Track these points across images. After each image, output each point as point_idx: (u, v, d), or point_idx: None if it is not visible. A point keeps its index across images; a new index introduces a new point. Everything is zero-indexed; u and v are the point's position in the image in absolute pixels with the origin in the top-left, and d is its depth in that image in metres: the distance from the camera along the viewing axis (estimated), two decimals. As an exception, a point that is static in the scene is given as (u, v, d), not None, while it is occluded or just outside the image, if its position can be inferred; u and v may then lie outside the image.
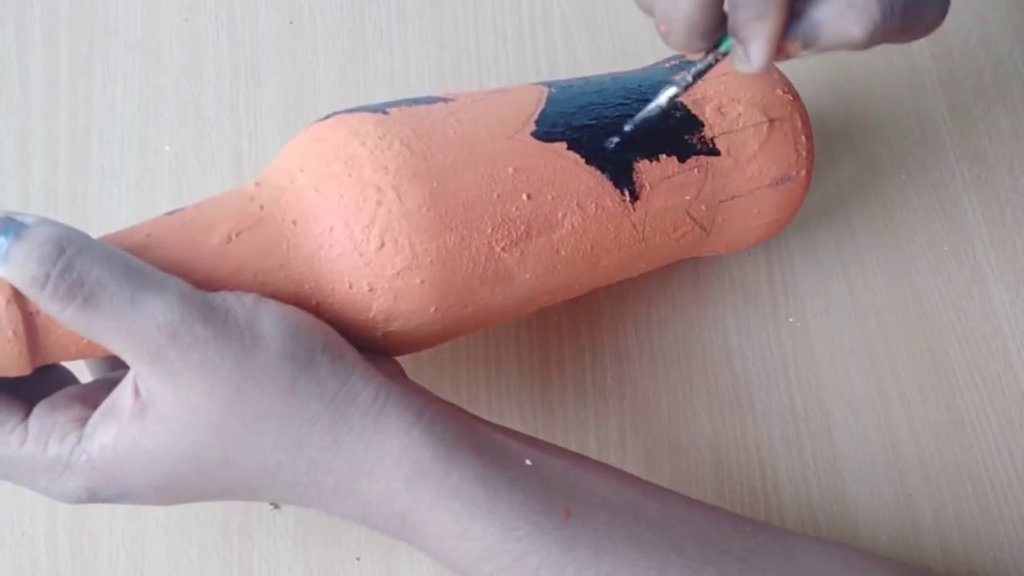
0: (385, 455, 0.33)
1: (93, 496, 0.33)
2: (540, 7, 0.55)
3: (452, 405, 0.36)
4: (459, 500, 0.33)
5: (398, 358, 0.38)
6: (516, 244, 0.37)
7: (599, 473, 0.36)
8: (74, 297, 0.30)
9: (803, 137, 0.43)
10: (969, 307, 0.48)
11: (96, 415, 0.33)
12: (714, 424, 0.46)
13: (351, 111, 0.37)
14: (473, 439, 0.35)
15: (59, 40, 0.54)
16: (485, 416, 0.38)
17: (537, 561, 0.33)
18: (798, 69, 0.46)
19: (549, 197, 0.37)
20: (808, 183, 0.44)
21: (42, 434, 0.32)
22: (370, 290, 0.35)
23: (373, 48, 0.54)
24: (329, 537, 0.43)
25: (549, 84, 0.41)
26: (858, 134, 0.52)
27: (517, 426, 0.45)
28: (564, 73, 0.53)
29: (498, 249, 0.36)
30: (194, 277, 0.33)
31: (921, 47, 0.54)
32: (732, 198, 0.42)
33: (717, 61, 0.35)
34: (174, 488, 0.33)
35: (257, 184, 0.36)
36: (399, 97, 0.39)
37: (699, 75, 0.37)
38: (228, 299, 0.32)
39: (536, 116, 0.38)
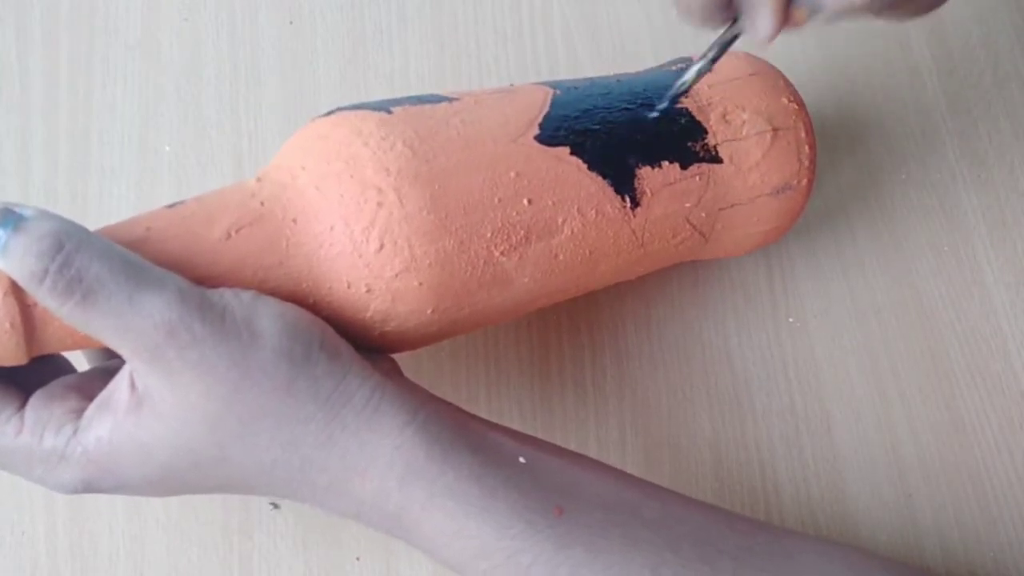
0: (378, 455, 0.33)
1: (89, 487, 0.33)
2: (540, 7, 0.55)
3: (448, 403, 0.36)
4: (453, 499, 0.33)
5: (395, 356, 0.38)
6: (515, 248, 0.37)
7: (596, 472, 0.36)
8: (72, 293, 0.30)
9: (806, 147, 0.42)
10: (969, 307, 0.48)
11: (92, 407, 0.33)
12: (714, 424, 0.46)
13: (354, 107, 0.37)
14: (468, 438, 0.34)
15: (59, 40, 0.54)
16: (484, 414, 0.38)
17: (530, 559, 0.33)
18: (798, 69, 0.46)
19: (550, 202, 0.37)
20: (809, 192, 0.44)
21: (38, 425, 0.32)
22: (368, 291, 0.35)
23: (373, 48, 0.54)
24: (329, 537, 0.43)
25: (554, 85, 0.41)
26: (858, 134, 0.52)
27: (516, 425, 0.45)
28: (564, 73, 0.53)
29: (497, 253, 0.36)
30: (193, 272, 0.33)
31: (921, 47, 0.54)
32: (732, 206, 0.42)
33: (736, 37, 0.37)
34: (169, 481, 0.33)
35: (258, 180, 0.36)
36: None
37: (724, 48, 0.38)
38: (226, 296, 0.32)
39: (540, 119, 0.38)
